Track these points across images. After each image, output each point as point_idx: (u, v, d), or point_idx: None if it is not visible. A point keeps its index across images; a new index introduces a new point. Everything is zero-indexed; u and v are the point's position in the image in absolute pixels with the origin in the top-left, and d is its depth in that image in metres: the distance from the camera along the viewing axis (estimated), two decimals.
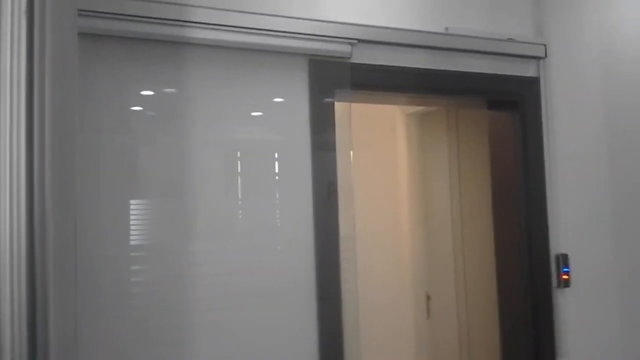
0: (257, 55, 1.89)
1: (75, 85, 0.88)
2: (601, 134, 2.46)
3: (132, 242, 1.68)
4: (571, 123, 2.40)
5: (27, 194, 0.82)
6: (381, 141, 3.53)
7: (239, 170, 1.86)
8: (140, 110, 1.73)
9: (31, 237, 0.82)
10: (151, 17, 1.70)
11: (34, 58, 0.81)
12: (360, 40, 2.01)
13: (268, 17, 1.86)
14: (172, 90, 1.77)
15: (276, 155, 1.91)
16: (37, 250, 0.83)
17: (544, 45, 2.36)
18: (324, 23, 1.94)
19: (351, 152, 2.06)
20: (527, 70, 2.36)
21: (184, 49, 1.78)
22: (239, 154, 1.86)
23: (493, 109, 2.46)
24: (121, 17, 1.66)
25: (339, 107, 2.02)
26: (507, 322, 2.39)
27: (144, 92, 1.74)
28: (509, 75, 2.32)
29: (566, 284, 2.30)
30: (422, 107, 3.30)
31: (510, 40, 2.30)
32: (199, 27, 1.76)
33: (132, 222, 1.68)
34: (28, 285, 0.82)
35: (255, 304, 1.82)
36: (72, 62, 0.87)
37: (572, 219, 2.36)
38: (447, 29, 2.20)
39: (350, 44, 2.00)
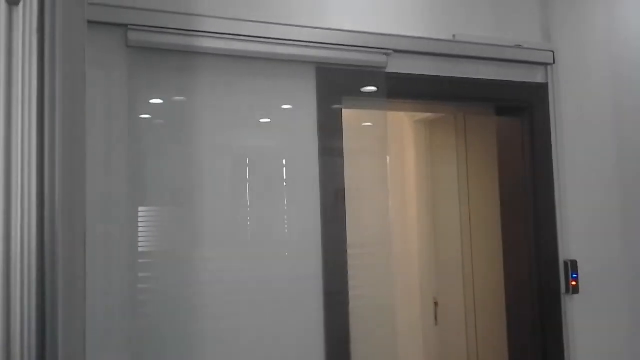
0: (266, 63, 1.91)
1: (84, 97, 0.90)
2: (610, 140, 2.46)
3: (140, 249, 1.70)
4: (580, 129, 2.39)
5: (38, 201, 0.84)
6: (390, 147, 3.54)
7: (247, 176, 1.88)
8: (150, 118, 1.76)
9: (41, 243, 0.84)
10: (161, 27, 1.72)
11: (45, 72, 0.84)
12: (370, 48, 2.03)
13: (277, 26, 1.88)
14: (182, 98, 1.79)
15: (284, 162, 1.93)
16: (47, 256, 0.84)
17: (552, 51, 2.36)
18: (332, 31, 1.96)
19: (388, 158, 2.06)
20: (535, 76, 2.36)
21: (196, 58, 1.81)
22: (247, 160, 1.88)
23: (501, 116, 2.46)
24: (130, 27, 1.69)
25: (348, 113, 2.03)
26: (516, 329, 2.38)
27: (153, 101, 1.76)
28: (517, 82, 2.32)
29: (575, 290, 2.29)
30: (430, 114, 3.30)
31: (518, 46, 2.30)
32: (209, 37, 1.79)
33: (140, 229, 1.70)
34: (38, 292, 0.83)
35: (263, 309, 1.83)
36: (81, 74, 0.89)
37: (581, 225, 2.36)
38: (454, 36, 2.21)
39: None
